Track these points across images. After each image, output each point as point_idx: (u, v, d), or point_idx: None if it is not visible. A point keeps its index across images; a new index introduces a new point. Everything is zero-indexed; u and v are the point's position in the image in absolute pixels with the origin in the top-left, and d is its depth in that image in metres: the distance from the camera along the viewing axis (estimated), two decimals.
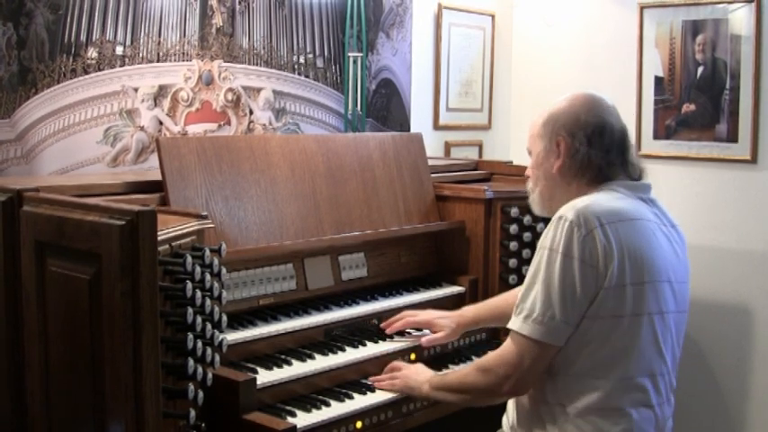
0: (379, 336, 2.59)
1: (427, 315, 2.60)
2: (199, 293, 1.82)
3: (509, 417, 2.15)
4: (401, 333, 2.61)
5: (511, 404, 2.15)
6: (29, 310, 1.86)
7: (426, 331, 2.61)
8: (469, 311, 2.61)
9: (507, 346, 2.00)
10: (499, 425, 2.21)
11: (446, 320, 2.57)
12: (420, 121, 3.76)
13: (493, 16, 4.10)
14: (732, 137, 3.59)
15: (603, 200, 1.99)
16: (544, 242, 1.96)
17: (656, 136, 3.79)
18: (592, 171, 2.07)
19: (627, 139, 2.13)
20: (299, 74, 3.24)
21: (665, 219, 2.10)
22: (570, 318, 1.91)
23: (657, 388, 1.98)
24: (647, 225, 2.00)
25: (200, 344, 1.81)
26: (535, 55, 4.19)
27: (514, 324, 1.97)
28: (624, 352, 1.93)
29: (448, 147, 3.92)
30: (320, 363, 2.35)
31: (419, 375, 2.30)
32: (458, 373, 2.20)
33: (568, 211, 1.94)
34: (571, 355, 1.94)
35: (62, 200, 1.83)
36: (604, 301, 1.90)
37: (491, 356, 2.06)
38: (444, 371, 2.44)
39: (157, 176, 2.35)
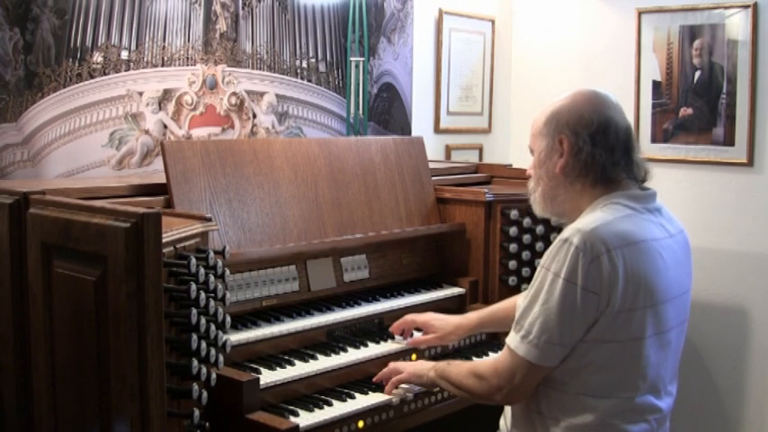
0: (381, 336, 2.61)
1: (426, 317, 2.61)
2: (203, 295, 1.84)
3: (506, 419, 2.16)
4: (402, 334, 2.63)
5: (508, 408, 2.15)
6: (35, 310, 1.87)
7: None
8: (473, 317, 2.59)
9: (502, 358, 1.98)
10: (497, 425, 2.23)
11: (442, 323, 2.57)
12: (421, 124, 3.79)
13: (493, 21, 4.13)
14: (729, 140, 3.62)
15: (610, 220, 1.92)
16: (548, 263, 1.90)
17: (654, 139, 3.82)
18: (595, 171, 2.00)
19: (632, 138, 2.04)
20: (302, 78, 3.26)
21: (671, 226, 2.05)
22: (566, 341, 1.89)
23: (656, 405, 1.96)
24: (653, 246, 1.94)
25: (204, 344, 1.83)
26: (534, 59, 4.22)
27: (512, 341, 1.95)
28: (623, 376, 1.91)
29: (448, 150, 3.94)
30: (322, 363, 2.37)
31: (423, 364, 2.30)
32: (458, 368, 2.16)
33: (574, 234, 1.87)
34: (569, 374, 1.93)
35: (68, 202, 1.84)
36: (604, 326, 1.87)
37: (487, 364, 2.05)
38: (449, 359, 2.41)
39: (162, 179, 2.37)
